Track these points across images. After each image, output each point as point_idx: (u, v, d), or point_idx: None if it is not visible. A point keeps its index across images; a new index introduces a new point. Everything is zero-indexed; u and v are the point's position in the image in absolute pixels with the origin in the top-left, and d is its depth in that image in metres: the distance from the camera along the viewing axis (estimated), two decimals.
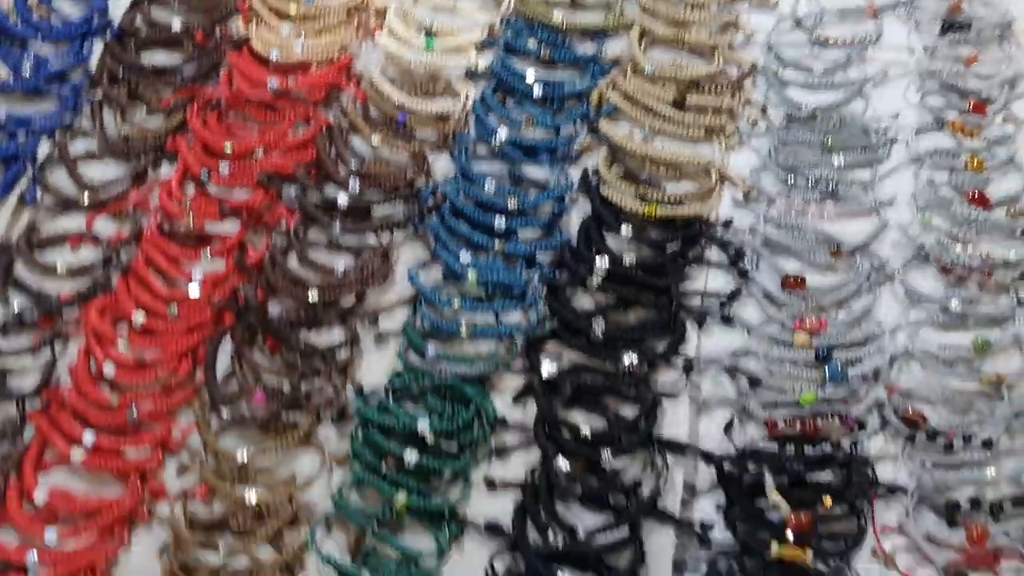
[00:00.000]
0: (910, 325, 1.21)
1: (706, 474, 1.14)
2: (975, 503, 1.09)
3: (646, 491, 1.10)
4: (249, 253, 1.29)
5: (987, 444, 1.12)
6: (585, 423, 1.15)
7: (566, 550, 1.07)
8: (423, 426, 1.14)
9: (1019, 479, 1.10)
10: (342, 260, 1.28)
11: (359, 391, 1.18)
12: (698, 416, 1.18)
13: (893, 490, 1.11)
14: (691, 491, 1.13)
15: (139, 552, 1.11)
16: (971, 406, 1.16)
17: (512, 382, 1.20)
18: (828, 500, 1.09)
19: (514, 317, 1.23)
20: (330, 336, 1.23)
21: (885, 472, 1.12)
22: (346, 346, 1.22)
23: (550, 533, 1.08)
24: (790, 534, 1.07)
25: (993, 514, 1.09)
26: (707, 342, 1.22)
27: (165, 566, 1.09)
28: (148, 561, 1.10)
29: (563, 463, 1.11)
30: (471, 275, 1.24)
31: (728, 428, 1.16)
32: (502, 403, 1.18)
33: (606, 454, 1.12)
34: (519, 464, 1.14)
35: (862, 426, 1.14)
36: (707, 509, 1.12)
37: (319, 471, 1.15)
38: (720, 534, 1.09)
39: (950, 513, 1.09)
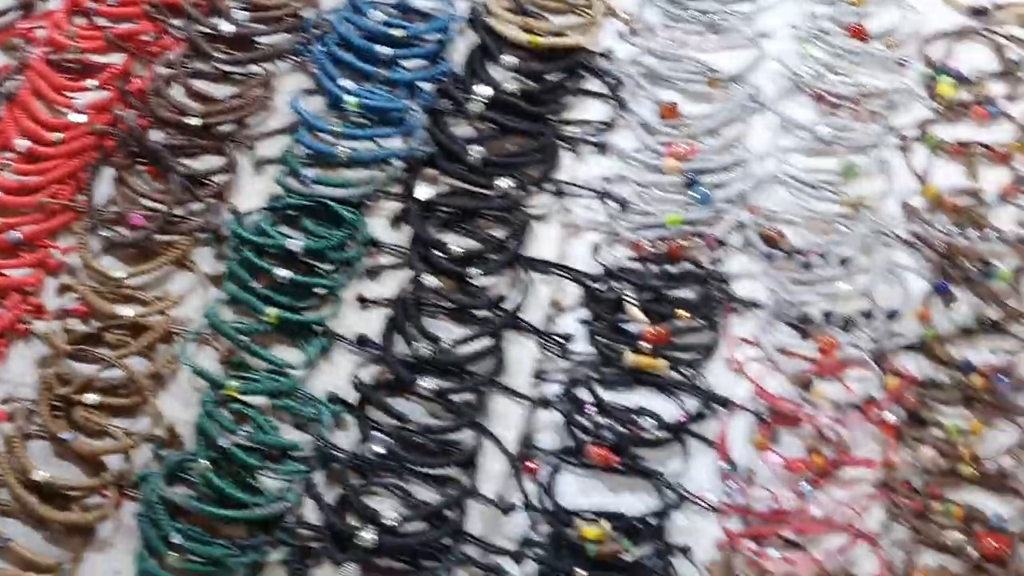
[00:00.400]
0: (780, 151, 1.24)
1: (573, 293, 1.17)
2: (827, 316, 1.13)
3: (511, 306, 1.14)
4: (133, 81, 1.30)
5: (843, 262, 1.16)
6: (457, 244, 1.17)
7: (430, 359, 1.10)
8: (296, 245, 1.16)
9: (870, 293, 1.14)
10: (225, 89, 1.29)
11: (235, 213, 1.20)
12: (568, 239, 1.20)
13: (749, 304, 1.15)
14: (557, 308, 1.16)
15: (17, 364, 1.13)
16: (831, 227, 1.19)
17: (390, 206, 1.22)
18: (682, 313, 1.13)
19: (394, 143, 1.25)
20: (209, 162, 1.25)
21: (745, 289, 1.16)
22: (224, 171, 1.23)
23: (416, 345, 1.11)
24: (646, 345, 1.11)
25: (844, 327, 1.13)
26: (581, 169, 1.24)
27: (42, 376, 1.11)
28: (26, 371, 1.13)
29: (431, 279, 1.14)
30: (351, 101, 1.25)
31: (596, 249, 1.19)
32: (379, 226, 1.20)
33: (474, 272, 1.15)
34: (392, 284, 1.17)
35: (723, 245, 1.18)
36: (572, 326, 1.15)
37: (194, 290, 1.17)
38: (583, 347, 1.13)
39: (802, 326, 1.13)
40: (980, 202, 1.19)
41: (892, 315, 1.13)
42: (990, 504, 1.02)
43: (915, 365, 1.10)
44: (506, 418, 1.09)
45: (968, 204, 1.19)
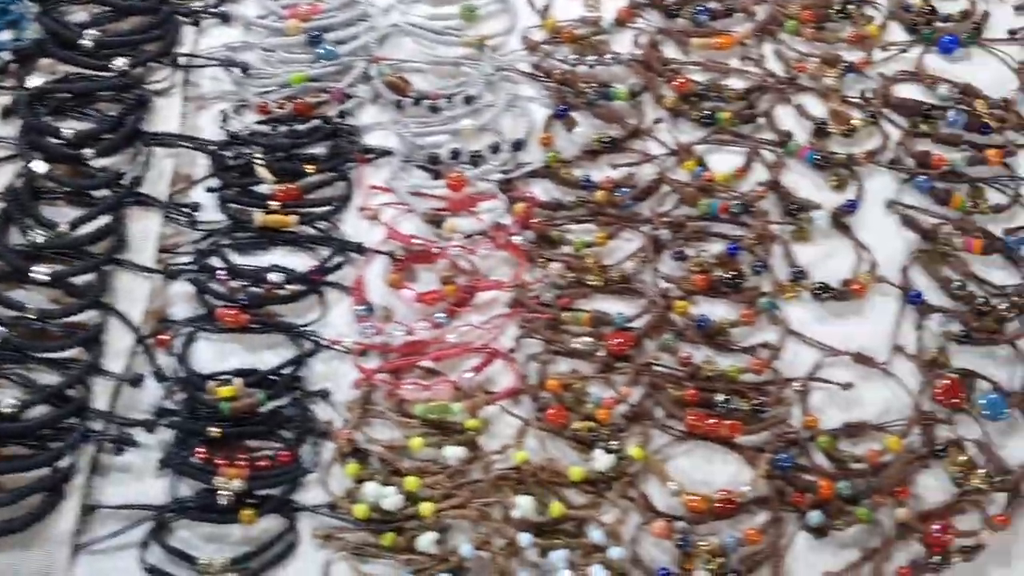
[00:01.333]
0: (402, 2, 1.23)
1: (203, 164, 1.14)
2: (456, 154, 1.14)
3: (128, 182, 1.10)
4: None
5: (469, 100, 1.17)
6: (71, 128, 1.12)
7: (45, 245, 1.06)
8: None
9: (496, 127, 1.15)
10: None
11: None
12: (195, 111, 1.17)
13: (380, 153, 1.14)
14: (187, 180, 1.13)
15: None
16: (457, 69, 1.20)
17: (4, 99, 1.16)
18: (310, 167, 1.12)
19: (1, 36, 1.19)
20: None
21: (377, 138, 1.15)
22: None
23: (32, 233, 1.06)
24: (276, 204, 1.10)
25: (473, 162, 1.13)
26: (205, 40, 1.22)
27: None
28: None
29: (39, 165, 1.09)
30: None
31: (223, 117, 1.16)
32: None
33: (89, 152, 1.11)
34: (6, 175, 1.12)
35: (349, 97, 1.17)
36: (202, 196, 1.12)
37: None
38: (215, 216, 1.11)
39: (433, 167, 1.13)
40: (599, 30, 1.22)
41: (518, 145, 1.14)
42: (617, 307, 1.05)
43: (541, 189, 1.13)
44: (132, 294, 1.05)
45: (586, 32, 1.22)
